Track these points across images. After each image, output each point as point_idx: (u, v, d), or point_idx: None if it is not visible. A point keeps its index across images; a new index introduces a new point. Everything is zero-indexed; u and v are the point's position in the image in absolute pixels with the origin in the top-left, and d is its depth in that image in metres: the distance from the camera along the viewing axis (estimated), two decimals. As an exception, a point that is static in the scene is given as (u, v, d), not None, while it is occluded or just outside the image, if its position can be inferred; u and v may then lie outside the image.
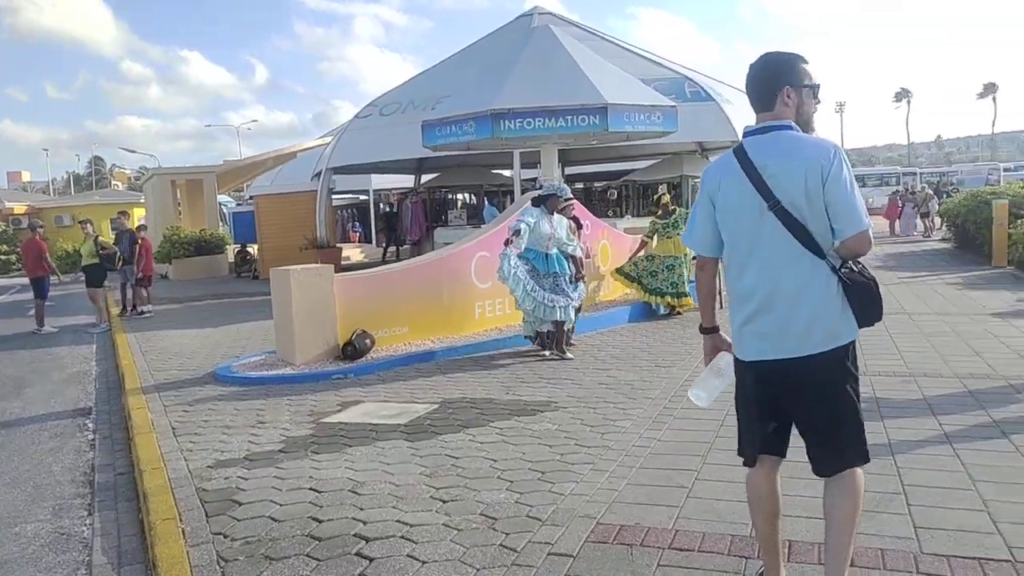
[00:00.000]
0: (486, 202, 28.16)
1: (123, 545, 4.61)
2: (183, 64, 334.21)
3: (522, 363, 8.68)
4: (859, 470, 3.07)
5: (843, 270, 2.98)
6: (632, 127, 16.24)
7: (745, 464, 3.27)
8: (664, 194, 12.07)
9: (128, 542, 4.64)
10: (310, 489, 4.83)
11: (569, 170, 36.95)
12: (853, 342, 3.05)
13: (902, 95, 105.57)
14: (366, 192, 39.25)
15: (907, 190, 39.07)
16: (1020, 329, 9.32)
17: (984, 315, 10.42)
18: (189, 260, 27.64)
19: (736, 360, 3.24)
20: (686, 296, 11.70)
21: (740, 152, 3.04)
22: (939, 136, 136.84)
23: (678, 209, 11.98)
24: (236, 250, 29.40)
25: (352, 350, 8.67)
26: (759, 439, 3.18)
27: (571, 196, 9.53)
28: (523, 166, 23.98)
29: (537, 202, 8.87)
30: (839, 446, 3.04)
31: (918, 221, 29.79)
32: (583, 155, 32.85)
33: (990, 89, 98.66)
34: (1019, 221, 15.94)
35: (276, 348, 9.11)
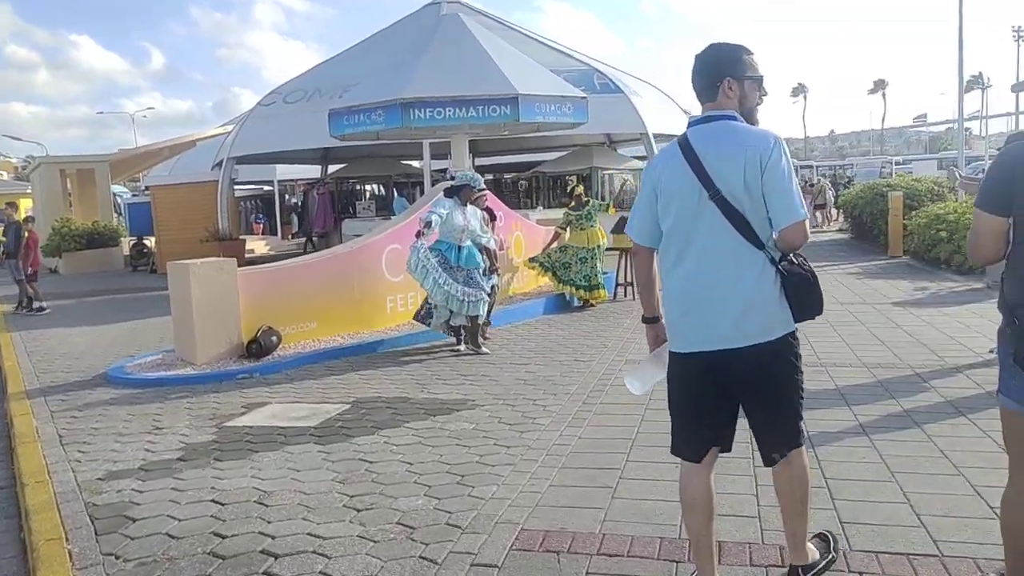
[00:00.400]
0: (395, 193, 27.71)
1: (2, 569, 4.19)
2: (72, 48, 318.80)
3: (437, 359, 8.44)
4: (802, 449, 3.15)
5: (782, 263, 2.96)
6: (543, 118, 16.18)
7: (673, 453, 3.24)
8: (577, 185, 11.98)
9: (7, 566, 4.22)
10: (212, 501, 4.49)
11: (480, 161, 36.72)
12: (792, 333, 3.05)
13: (799, 90, 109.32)
14: (270, 183, 38.11)
15: (806, 182, 40.37)
16: (920, 318, 9.60)
17: (886, 304, 10.71)
18: (80, 254, 26.26)
19: (671, 352, 3.19)
20: (600, 288, 11.66)
21: (683, 141, 3.04)
22: (832, 130, 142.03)
23: (591, 201, 11.91)
24: (132, 243, 28.13)
25: (257, 348, 8.27)
26: (695, 434, 3.15)
27: (484, 187, 9.33)
28: (433, 157, 23.68)
29: (450, 193, 8.63)
30: (778, 435, 3.09)
31: (817, 213, 30.76)
32: (493, 146, 32.71)
33: (880, 85, 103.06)
34: (913, 212, 16.53)
35: (175, 347, 8.61)
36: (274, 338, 8.46)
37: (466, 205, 8.59)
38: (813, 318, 3.04)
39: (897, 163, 40.83)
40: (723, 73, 3.01)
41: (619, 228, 12.81)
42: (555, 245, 11.72)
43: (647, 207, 3.13)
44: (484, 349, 8.62)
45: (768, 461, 3.15)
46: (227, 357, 8.28)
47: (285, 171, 36.56)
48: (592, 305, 11.74)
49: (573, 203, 11.91)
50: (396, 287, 9.93)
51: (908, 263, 15.59)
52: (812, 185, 34.45)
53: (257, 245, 29.68)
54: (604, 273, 12.09)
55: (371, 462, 5.04)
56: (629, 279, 12.74)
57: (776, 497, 3.27)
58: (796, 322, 3.02)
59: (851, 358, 7.58)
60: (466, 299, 8.38)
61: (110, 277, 22.39)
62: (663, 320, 3.28)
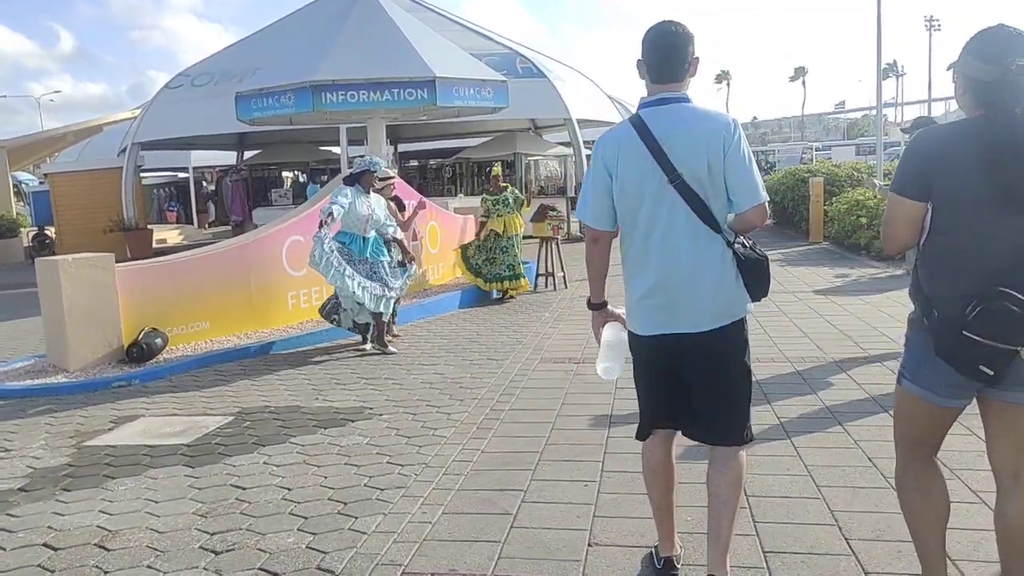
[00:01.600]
0: (309, 181, 26.76)
1: None
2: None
3: (339, 360, 7.84)
4: (742, 451, 3.09)
5: (736, 245, 2.97)
6: (462, 102, 15.65)
7: (639, 438, 3.29)
8: (495, 166, 11.40)
9: None
10: (44, 545, 3.81)
11: (403, 147, 35.93)
12: (745, 317, 3.07)
13: (722, 77, 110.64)
14: (185, 169, 36.58)
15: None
16: (841, 307, 9.39)
17: (807, 293, 10.50)
18: (-1, 242, 24.58)
19: (632, 335, 3.18)
20: (521, 278, 11.18)
21: (638, 123, 2.96)
22: (755, 117, 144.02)
23: (508, 186, 11.38)
24: (33, 234, 26.57)
25: (139, 352, 7.53)
26: (655, 411, 3.19)
27: (390, 173, 8.71)
28: (351, 142, 22.81)
29: (351, 180, 8.00)
30: (728, 422, 3.06)
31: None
32: (415, 132, 31.95)
33: (800, 72, 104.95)
34: (834, 199, 16.50)
35: (47, 352, 7.79)
36: (159, 340, 7.73)
37: (369, 193, 7.98)
38: (760, 300, 3.06)
39: (817, 149, 41.38)
40: (693, 52, 2.97)
41: (539, 216, 12.35)
42: (483, 235, 11.15)
43: (602, 190, 3.04)
44: (391, 348, 8.05)
45: (710, 441, 3.14)
46: (105, 363, 7.52)
47: (201, 157, 35.12)
48: (512, 297, 11.27)
49: (491, 187, 11.37)
50: (298, 282, 9.25)
51: (829, 249, 15.55)
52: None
53: (170, 235, 28.31)
54: (524, 263, 11.64)
55: (243, 488, 4.43)
56: (550, 269, 12.31)
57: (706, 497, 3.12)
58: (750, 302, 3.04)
59: (774, 351, 7.28)
60: (370, 294, 7.78)
61: (6, 271, 21.02)
62: (609, 306, 3.29)
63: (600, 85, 27.13)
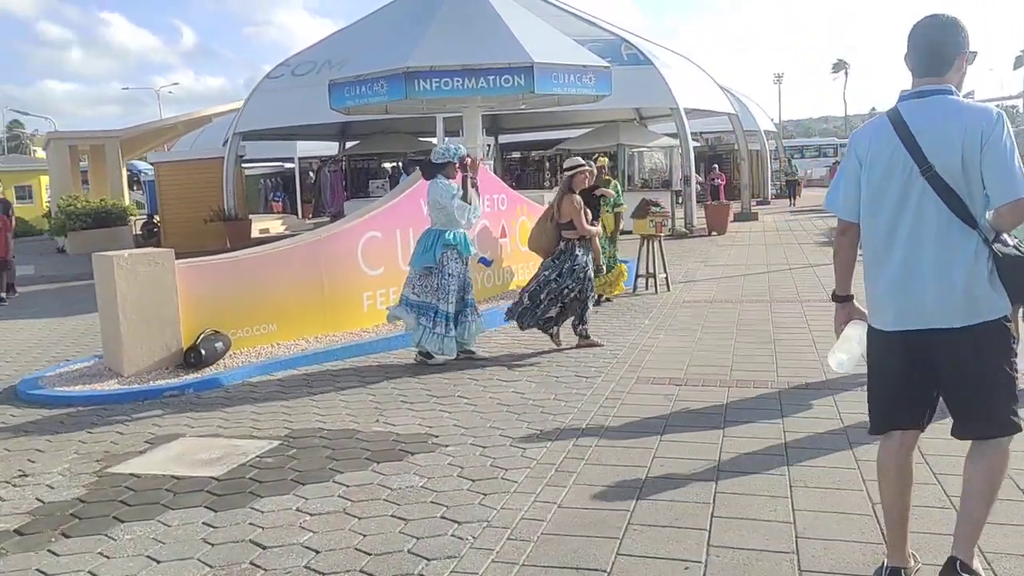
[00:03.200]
0: (403, 172, 26.31)
1: None
2: (104, 26, 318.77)
3: (411, 372, 7.05)
4: (1006, 444, 2.96)
5: (995, 243, 2.86)
6: (561, 89, 14.74)
7: (873, 432, 3.17)
8: (600, 156, 10.33)
9: None
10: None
11: (504, 138, 35.34)
12: (1006, 317, 2.91)
13: (839, 66, 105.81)
14: (291, 159, 36.95)
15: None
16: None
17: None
18: (86, 233, 25.15)
19: (873, 329, 3.11)
20: (621, 277, 10.18)
21: (895, 116, 2.98)
22: (873, 108, 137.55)
23: (612, 180, 10.32)
24: (143, 222, 27.14)
25: (196, 357, 6.93)
26: (894, 410, 3.07)
27: (579, 161, 7.98)
28: (449, 133, 22.23)
29: (430, 173, 7.20)
30: (981, 417, 2.94)
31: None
32: (516, 122, 31.26)
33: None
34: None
35: (103, 354, 7.31)
36: (219, 344, 7.13)
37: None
38: (1017, 302, 2.94)
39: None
40: (961, 46, 2.94)
41: (640, 212, 11.30)
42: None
43: (852, 181, 3.09)
44: (479, 352, 7.33)
45: (962, 436, 3.03)
46: (161, 367, 6.96)
47: (306, 148, 35.38)
48: (608, 300, 10.28)
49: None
50: (375, 281, 8.54)
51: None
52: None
53: (273, 224, 28.42)
54: (623, 261, 10.65)
55: (263, 547, 3.64)
56: (651, 269, 11.26)
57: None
58: (1012, 304, 2.90)
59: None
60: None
61: None
62: (854, 300, 3.26)
63: (710, 74, 25.70)
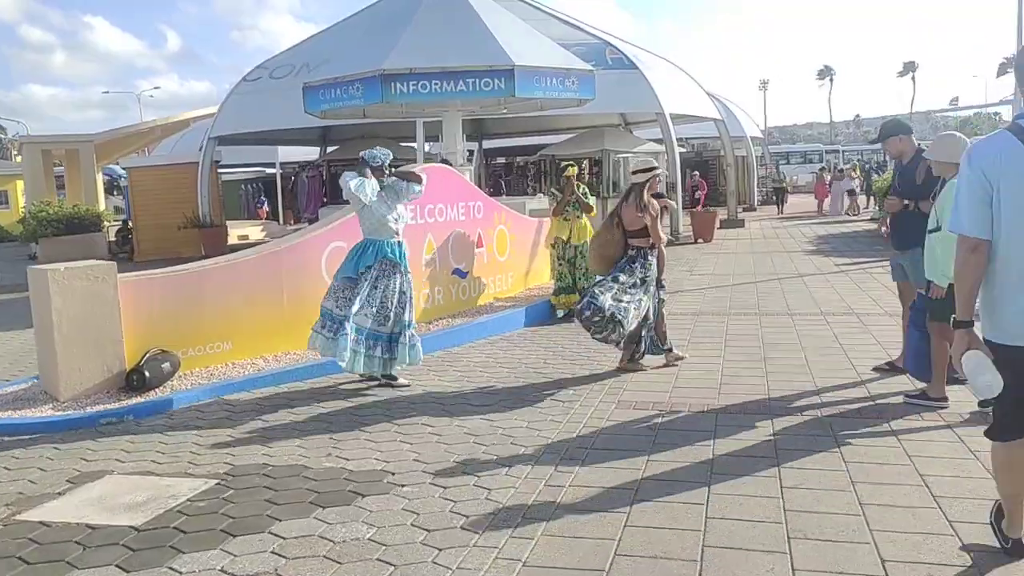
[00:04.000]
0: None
1: None
2: (87, 30, 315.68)
3: (374, 393, 6.53)
4: None
5: None
6: (543, 93, 14.32)
7: (991, 438, 3.34)
8: (571, 165, 9.78)
9: None
10: None
11: (487, 143, 34.89)
12: None
13: (825, 72, 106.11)
14: (273, 165, 36.32)
15: (834, 168, 38.06)
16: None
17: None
18: (59, 239, 24.46)
19: (1005, 347, 3.14)
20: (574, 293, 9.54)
21: (1019, 131, 3.08)
22: (858, 115, 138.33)
23: (582, 185, 9.76)
24: (117, 228, 26.43)
25: (139, 379, 6.37)
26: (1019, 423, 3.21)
27: (653, 164, 7.19)
28: (428, 138, 21.75)
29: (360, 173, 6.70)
30: None
31: (845, 198, 28.59)
32: (500, 127, 30.83)
33: (910, 67, 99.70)
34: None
35: (40, 376, 6.74)
36: (166, 365, 6.57)
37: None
38: None
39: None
40: None
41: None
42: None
43: (981, 200, 3.12)
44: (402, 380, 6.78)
45: None
46: (102, 391, 6.38)
47: (288, 153, 34.77)
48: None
49: (564, 186, 9.77)
50: (340, 295, 7.99)
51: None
52: (841, 171, 32.46)
53: (252, 231, 27.78)
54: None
55: (172, 622, 3.12)
56: (635, 281, 10.74)
57: None
58: None
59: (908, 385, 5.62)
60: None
61: None
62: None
63: (696, 79, 25.30)
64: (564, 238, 9.52)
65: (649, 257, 6.98)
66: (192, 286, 7.07)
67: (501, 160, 40.09)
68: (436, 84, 13.39)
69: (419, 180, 6.73)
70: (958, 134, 5.77)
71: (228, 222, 25.22)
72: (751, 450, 4.87)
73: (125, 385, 6.43)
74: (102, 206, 29.57)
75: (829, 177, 30.56)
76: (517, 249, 10.45)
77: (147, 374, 6.38)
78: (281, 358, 7.43)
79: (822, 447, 4.87)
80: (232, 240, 22.86)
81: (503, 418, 5.72)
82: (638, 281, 6.89)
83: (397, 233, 6.65)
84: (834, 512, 3.91)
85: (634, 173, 7.06)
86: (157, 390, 6.46)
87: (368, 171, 6.56)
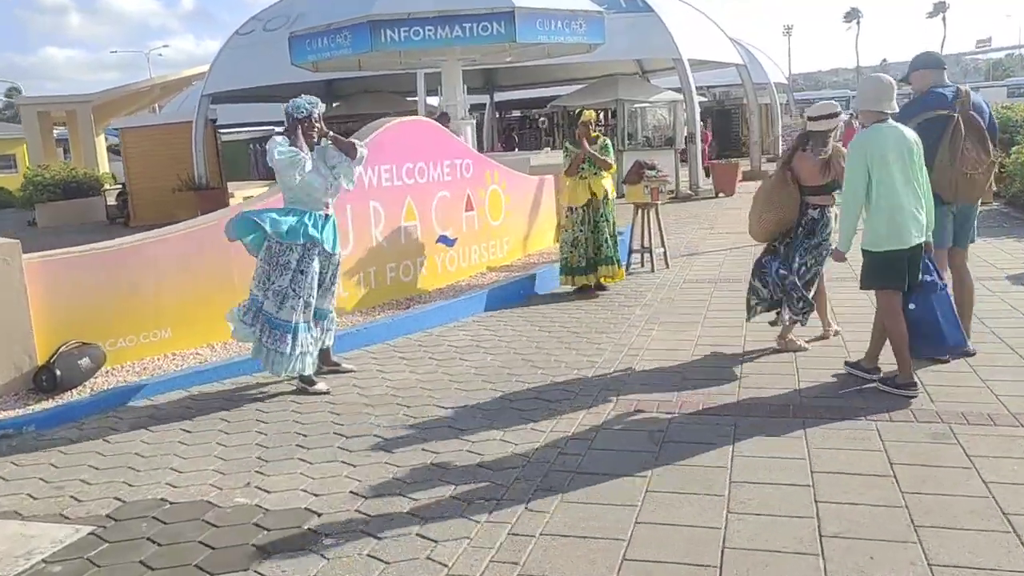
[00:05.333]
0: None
1: None
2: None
3: (327, 394, 5.51)
4: None
5: None
6: (547, 37, 13.11)
7: None
8: (588, 112, 8.46)
9: None
10: None
11: (499, 95, 33.53)
12: None
13: (852, 15, 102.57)
14: (282, 123, 34.96)
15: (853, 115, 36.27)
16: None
17: (1000, 280, 7.52)
18: (56, 204, 23.68)
19: None
20: (614, 264, 8.34)
21: None
22: (884, 60, 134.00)
23: (601, 136, 8.52)
24: (119, 191, 25.54)
25: (49, 379, 5.39)
26: None
27: (836, 109, 5.76)
28: (430, 91, 20.53)
29: (291, 133, 5.50)
30: None
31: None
32: (512, 78, 29.46)
33: (940, 8, 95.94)
34: (1013, 149, 13.03)
35: (-61, 375, 5.78)
36: (84, 361, 5.57)
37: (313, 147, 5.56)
38: None
39: (975, 88, 36.45)
40: None
41: (633, 177, 9.64)
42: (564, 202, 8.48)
43: None
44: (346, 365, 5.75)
45: None
46: (8, 393, 5.40)
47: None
48: (603, 288, 8.54)
49: (579, 135, 8.52)
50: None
51: (1003, 212, 12.25)
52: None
53: (258, 191, 26.69)
54: (619, 234, 8.75)
55: None
56: (647, 243, 9.63)
57: None
58: None
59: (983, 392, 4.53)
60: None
61: (84, 231, 19.56)
62: None
63: (717, 23, 23.75)
64: (581, 204, 8.22)
65: (828, 214, 5.84)
66: (119, 265, 6.05)
67: (516, 114, 38.71)
68: (430, 30, 12.25)
69: (354, 155, 5.54)
70: (884, 76, 4.98)
71: (233, 183, 24.16)
72: (783, 473, 3.80)
73: (34, 387, 5.45)
74: (104, 169, 28.70)
75: (858, 124, 28.96)
76: (514, 211, 9.34)
77: (59, 373, 5.39)
78: (231, 346, 6.42)
79: (876, 470, 3.80)
80: (237, 202, 21.84)
81: (475, 426, 4.68)
82: (821, 242, 5.81)
83: (327, 206, 5.54)
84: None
85: (813, 119, 5.83)
86: (74, 391, 5.48)
87: (299, 131, 5.40)
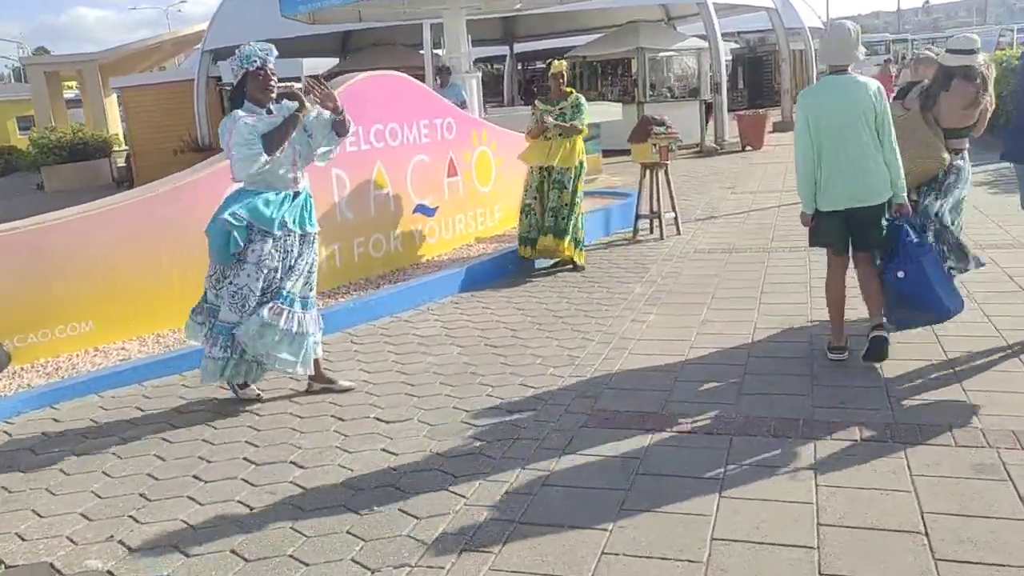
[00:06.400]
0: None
1: None
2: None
3: (256, 405, 4.71)
4: None
5: None
6: (557, -21, 12.11)
7: None
8: (557, 61, 7.52)
9: None
10: None
11: (519, 47, 32.32)
12: None
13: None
14: (299, 79, 34.04)
15: (901, 59, 34.43)
16: None
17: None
18: (63, 167, 23.10)
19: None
20: (566, 239, 7.26)
21: None
22: (927, 1, 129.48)
23: (573, 92, 7.56)
24: (128, 153, 24.92)
25: (-67, 388, 4.66)
26: None
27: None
28: (437, 45, 19.45)
29: (238, 97, 4.51)
30: None
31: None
32: (532, 28, 28.25)
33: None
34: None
35: None
36: (-17, 363, 4.84)
37: (267, 104, 4.52)
38: None
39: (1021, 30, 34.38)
40: None
41: (639, 135, 8.65)
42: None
43: None
44: (343, 382, 4.82)
45: None
46: None
47: (315, 66, 32.61)
48: (580, 267, 7.52)
49: (551, 93, 7.62)
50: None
51: None
52: (911, 60, 29.09)
53: (270, 151, 25.85)
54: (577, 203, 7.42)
55: None
56: (656, 208, 8.68)
57: None
58: None
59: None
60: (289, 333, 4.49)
61: (90, 194, 18.89)
62: None
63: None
64: (538, 162, 7.27)
65: (966, 161, 5.08)
66: (33, 249, 5.25)
67: (540, 65, 37.32)
68: (422, -26, 11.32)
69: (344, 131, 4.56)
70: (849, 24, 4.58)
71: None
72: (778, 528, 2.94)
73: (-79, 394, 4.73)
74: (116, 130, 28.08)
75: (895, 69, 27.30)
76: (506, 175, 8.38)
77: (-55, 379, 4.66)
78: (163, 338, 5.64)
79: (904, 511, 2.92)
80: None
81: (411, 450, 3.86)
82: (963, 189, 5.08)
83: (295, 181, 4.61)
84: None
85: (953, 53, 4.94)
86: (-32, 399, 4.75)
87: (252, 87, 4.41)
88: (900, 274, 4.39)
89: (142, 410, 4.64)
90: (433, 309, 6.45)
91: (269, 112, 4.40)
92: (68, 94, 34.56)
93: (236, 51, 4.45)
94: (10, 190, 22.99)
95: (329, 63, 31.55)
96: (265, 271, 4.37)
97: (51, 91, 28.00)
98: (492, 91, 33.41)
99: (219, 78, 22.31)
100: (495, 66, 37.87)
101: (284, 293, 4.42)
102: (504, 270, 7.29)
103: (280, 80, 4.49)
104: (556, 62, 7.49)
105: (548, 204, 7.21)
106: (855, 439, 3.65)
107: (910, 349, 4.71)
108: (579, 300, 6.42)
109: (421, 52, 25.68)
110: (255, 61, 4.40)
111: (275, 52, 4.50)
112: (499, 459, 3.69)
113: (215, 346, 4.36)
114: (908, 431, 3.68)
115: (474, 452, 3.78)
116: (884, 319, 4.61)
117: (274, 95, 4.43)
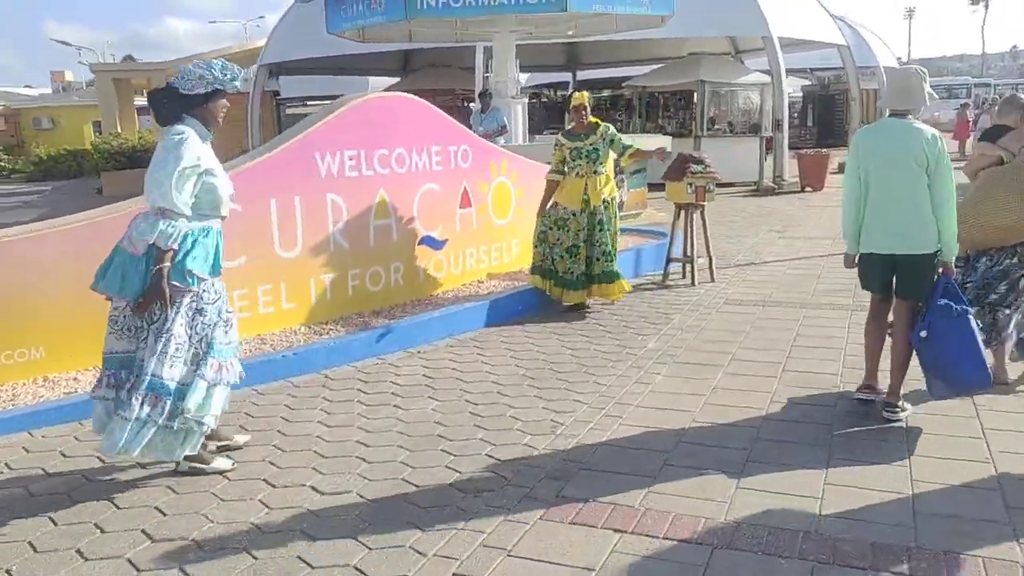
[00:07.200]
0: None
1: None
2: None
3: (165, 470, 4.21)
4: None
5: None
6: (604, 7, 11.71)
7: None
8: (579, 93, 7.02)
9: None
10: None
11: (582, 74, 31.96)
12: None
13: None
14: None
15: (982, 103, 33.03)
16: None
17: None
18: (121, 173, 23.49)
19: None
20: (610, 280, 6.91)
21: None
22: (1015, 46, 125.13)
23: (600, 123, 7.00)
24: (187, 162, 25.12)
25: None
26: None
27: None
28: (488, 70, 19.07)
29: (169, 113, 3.97)
30: None
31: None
32: (595, 56, 27.93)
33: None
34: None
35: None
36: (-97, 391, 4.44)
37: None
38: None
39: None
40: None
41: (675, 172, 8.00)
42: (550, 204, 6.99)
43: None
44: (218, 462, 4.05)
45: None
46: None
47: (380, 84, 32.73)
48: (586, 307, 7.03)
49: (573, 123, 7.07)
50: (229, 277, 5.68)
51: None
52: (990, 105, 27.74)
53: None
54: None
55: None
56: (689, 252, 8.03)
57: None
58: None
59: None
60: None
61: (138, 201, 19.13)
62: None
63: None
64: (576, 206, 6.79)
65: None
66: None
67: (607, 92, 36.81)
68: (471, -4, 10.91)
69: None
70: (914, 70, 4.46)
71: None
72: None
73: None
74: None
75: (974, 114, 26.02)
76: (527, 207, 7.78)
77: None
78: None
79: None
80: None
81: (331, 534, 3.29)
82: None
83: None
84: None
85: None
86: None
87: (212, 107, 3.94)
88: (923, 333, 4.13)
89: (69, 452, 4.18)
90: (423, 352, 5.89)
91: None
92: (140, 101, 35.28)
93: (217, 60, 3.97)
94: (74, 192, 23.37)
95: (390, 81, 31.59)
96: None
97: (121, 98, 28.56)
98: (556, 117, 32.94)
99: (276, 92, 22.39)
100: (559, 92, 37.51)
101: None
102: (511, 310, 6.71)
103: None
104: (577, 93, 6.96)
105: (597, 250, 6.83)
106: (863, 566, 2.96)
107: (948, 445, 3.98)
108: (584, 352, 5.80)
109: (475, 74, 25.46)
110: (236, 85, 3.96)
111: (236, 73, 4.01)
112: (429, 557, 3.10)
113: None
114: (931, 564, 2.97)
115: (401, 547, 3.19)
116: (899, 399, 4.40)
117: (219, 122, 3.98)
